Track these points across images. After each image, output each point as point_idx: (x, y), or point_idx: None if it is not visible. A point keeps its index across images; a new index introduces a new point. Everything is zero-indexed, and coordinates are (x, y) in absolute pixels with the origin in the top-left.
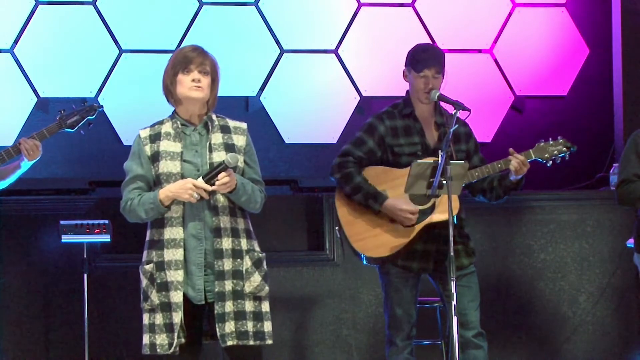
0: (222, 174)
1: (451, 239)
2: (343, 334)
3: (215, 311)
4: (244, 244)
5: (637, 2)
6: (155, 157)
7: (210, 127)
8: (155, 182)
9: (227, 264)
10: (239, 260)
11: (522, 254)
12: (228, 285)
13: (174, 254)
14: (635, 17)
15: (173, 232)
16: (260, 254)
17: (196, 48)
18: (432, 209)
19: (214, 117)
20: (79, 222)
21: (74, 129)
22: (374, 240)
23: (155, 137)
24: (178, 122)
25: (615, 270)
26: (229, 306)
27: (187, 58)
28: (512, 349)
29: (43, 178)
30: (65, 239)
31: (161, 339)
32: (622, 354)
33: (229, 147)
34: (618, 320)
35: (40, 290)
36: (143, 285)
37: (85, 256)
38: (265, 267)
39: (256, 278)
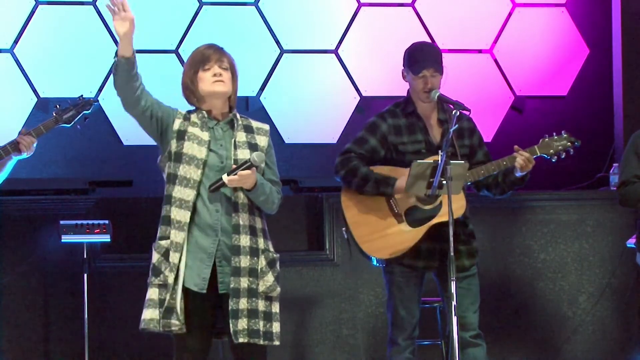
0: (247, 171)
1: (451, 239)
2: (343, 334)
3: (230, 307)
4: (260, 243)
5: (637, 2)
6: (180, 135)
7: (235, 125)
8: (172, 159)
9: (244, 261)
10: (255, 258)
11: (522, 254)
12: (244, 282)
13: (175, 236)
14: (635, 17)
15: (182, 215)
16: (274, 255)
17: (212, 45)
18: (439, 207)
19: (238, 116)
20: (79, 222)
21: (70, 124)
22: (382, 241)
23: (186, 119)
24: (204, 113)
25: (615, 270)
26: (243, 303)
27: (204, 55)
28: (512, 349)
29: (43, 178)
30: (65, 239)
31: (164, 315)
32: (622, 354)
33: (253, 147)
34: (618, 320)
35: (40, 290)
36: (154, 261)
37: (85, 256)
38: (278, 268)
39: (269, 278)
